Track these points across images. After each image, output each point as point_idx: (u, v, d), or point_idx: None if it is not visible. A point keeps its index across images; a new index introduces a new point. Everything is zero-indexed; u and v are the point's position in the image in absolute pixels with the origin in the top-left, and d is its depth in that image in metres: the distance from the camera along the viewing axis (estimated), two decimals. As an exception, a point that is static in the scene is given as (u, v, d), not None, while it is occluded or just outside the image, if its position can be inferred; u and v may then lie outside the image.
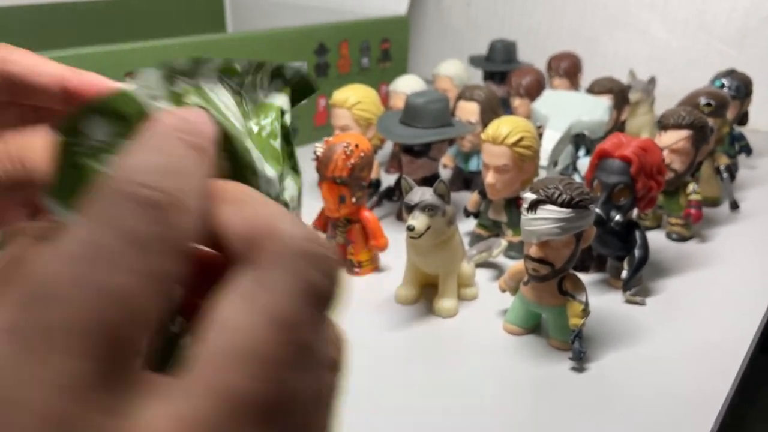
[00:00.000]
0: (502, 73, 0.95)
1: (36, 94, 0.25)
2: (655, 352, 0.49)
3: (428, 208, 0.50)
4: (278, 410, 0.13)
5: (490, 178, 0.60)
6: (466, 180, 0.80)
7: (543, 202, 0.46)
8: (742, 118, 0.82)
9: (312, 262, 0.13)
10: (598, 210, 0.53)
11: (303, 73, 0.23)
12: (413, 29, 1.31)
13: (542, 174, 0.65)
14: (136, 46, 0.74)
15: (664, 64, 1.10)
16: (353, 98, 0.71)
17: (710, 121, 0.65)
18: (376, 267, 0.61)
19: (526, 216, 0.47)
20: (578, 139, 0.73)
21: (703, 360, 0.48)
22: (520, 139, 0.59)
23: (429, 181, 0.63)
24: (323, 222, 0.62)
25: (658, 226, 0.71)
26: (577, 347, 0.47)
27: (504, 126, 0.59)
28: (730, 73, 0.79)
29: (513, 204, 0.62)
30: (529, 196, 0.46)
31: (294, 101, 0.21)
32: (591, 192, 0.48)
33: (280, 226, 0.14)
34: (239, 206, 0.14)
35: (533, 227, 0.46)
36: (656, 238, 0.67)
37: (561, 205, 0.45)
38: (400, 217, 0.71)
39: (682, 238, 0.68)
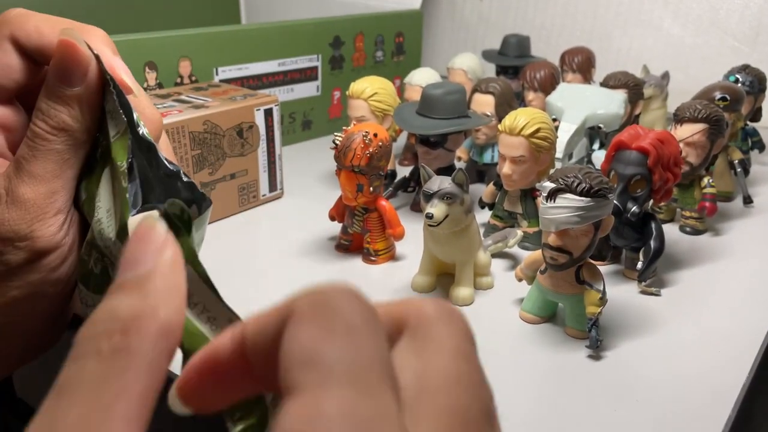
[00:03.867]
0: (516, 68, 0.95)
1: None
2: (670, 342, 0.50)
3: (447, 197, 0.50)
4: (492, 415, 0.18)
5: (506, 169, 0.61)
6: (480, 172, 0.80)
7: (562, 190, 0.46)
8: (756, 114, 0.82)
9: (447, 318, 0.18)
10: (614, 201, 0.54)
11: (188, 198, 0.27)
12: (426, 23, 1.32)
13: (557, 166, 0.65)
14: (149, 37, 0.75)
15: (677, 60, 1.10)
16: (370, 89, 0.71)
17: (726, 115, 0.65)
18: (392, 256, 0.62)
19: (545, 205, 0.47)
20: (593, 132, 0.74)
21: (718, 350, 0.49)
22: (537, 130, 0.59)
23: (445, 172, 0.63)
24: (340, 210, 0.62)
25: (671, 220, 0.71)
26: (594, 335, 0.47)
27: (521, 117, 0.59)
28: (745, 69, 0.79)
29: (529, 195, 0.63)
30: (548, 185, 0.47)
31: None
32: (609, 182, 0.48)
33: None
34: None
35: (552, 216, 0.46)
36: (670, 231, 0.68)
37: (580, 193, 0.45)
38: (414, 208, 0.72)
39: (696, 232, 0.68)
